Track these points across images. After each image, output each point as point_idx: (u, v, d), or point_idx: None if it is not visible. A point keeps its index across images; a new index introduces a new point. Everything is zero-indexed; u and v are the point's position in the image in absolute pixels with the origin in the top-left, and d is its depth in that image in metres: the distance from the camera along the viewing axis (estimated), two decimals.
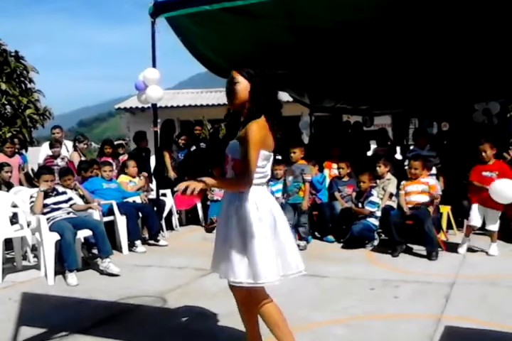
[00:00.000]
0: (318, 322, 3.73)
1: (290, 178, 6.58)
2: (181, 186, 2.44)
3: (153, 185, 8.07)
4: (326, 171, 7.51)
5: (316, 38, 6.59)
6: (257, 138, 2.58)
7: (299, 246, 6.21)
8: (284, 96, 13.74)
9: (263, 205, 2.70)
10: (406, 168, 6.63)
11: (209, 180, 2.53)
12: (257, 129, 2.60)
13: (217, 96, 19.15)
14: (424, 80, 8.09)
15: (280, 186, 6.88)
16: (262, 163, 2.71)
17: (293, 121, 11.99)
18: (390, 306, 4.10)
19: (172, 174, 8.01)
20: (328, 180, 7.26)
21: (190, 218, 8.48)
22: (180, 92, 20.78)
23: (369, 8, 5.62)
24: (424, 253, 5.74)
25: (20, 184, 7.60)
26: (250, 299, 2.80)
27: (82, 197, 6.36)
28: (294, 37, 6.61)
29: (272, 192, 7.02)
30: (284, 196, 6.65)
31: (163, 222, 7.56)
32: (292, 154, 6.60)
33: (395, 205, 6.43)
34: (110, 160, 7.97)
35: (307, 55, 7.20)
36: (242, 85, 2.69)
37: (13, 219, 6.08)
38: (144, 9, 7.03)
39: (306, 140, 10.72)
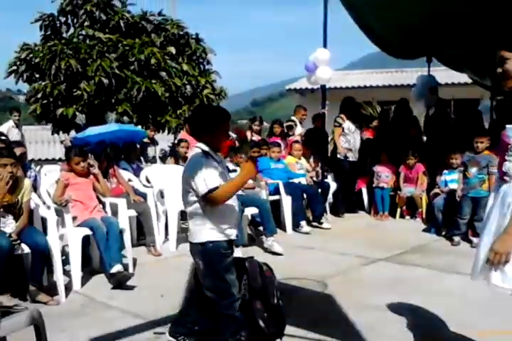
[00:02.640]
0: (489, 330, 3.38)
1: (473, 170, 6.04)
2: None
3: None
4: None
5: (497, 7, 5.89)
6: None
7: (472, 242, 5.87)
8: (460, 77, 12.84)
9: None
10: None
11: (508, 237, 2.22)
12: None
13: (389, 77, 18.47)
14: None
15: (456, 176, 6.39)
16: None
17: (471, 105, 11.12)
18: None
19: (341, 150, 7.72)
20: None
21: (355, 203, 8.27)
22: (350, 73, 20.44)
23: None
24: None
25: None
26: None
27: None
28: (472, 7, 5.98)
29: (446, 182, 6.59)
30: (462, 188, 6.16)
31: (327, 205, 7.54)
32: (479, 144, 6.02)
33: None
34: (279, 140, 8.12)
35: (489, 29, 6.50)
36: None
37: None
38: None
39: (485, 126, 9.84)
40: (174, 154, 7.53)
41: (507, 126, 2.47)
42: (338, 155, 7.79)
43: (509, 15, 5.88)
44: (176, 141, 8.10)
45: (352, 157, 7.80)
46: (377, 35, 7.78)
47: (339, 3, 6.78)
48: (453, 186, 6.39)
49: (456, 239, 6.00)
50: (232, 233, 2.89)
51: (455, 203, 6.12)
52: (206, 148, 2.85)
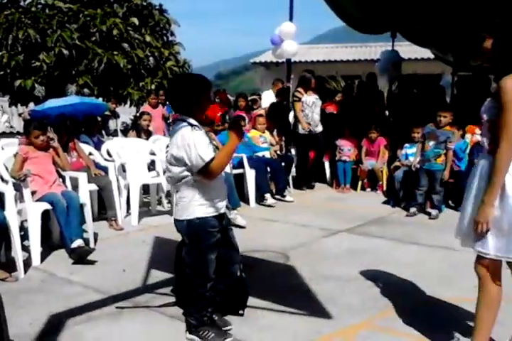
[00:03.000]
0: (446, 298, 3.51)
1: (431, 143, 6.15)
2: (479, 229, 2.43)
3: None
4: (468, 136, 6.94)
5: None
6: (511, 95, 2.34)
7: (430, 214, 6.02)
8: (423, 53, 12.96)
9: None
10: None
11: (488, 200, 2.40)
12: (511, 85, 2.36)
13: (353, 52, 18.52)
14: None
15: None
16: None
17: (433, 80, 11.29)
18: None
19: (305, 126, 7.57)
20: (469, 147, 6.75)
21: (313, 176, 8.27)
22: (314, 47, 20.39)
23: None
24: None
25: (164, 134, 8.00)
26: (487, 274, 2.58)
27: (216, 148, 6.53)
28: None
29: (407, 156, 6.71)
30: (418, 160, 6.29)
31: (290, 178, 7.59)
32: (442, 118, 6.09)
33: None
34: (243, 114, 8.08)
35: (450, 5, 6.54)
36: (488, 40, 2.49)
37: (151, 166, 6.43)
38: None
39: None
40: (136, 127, 7.42)
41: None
42: (302, 131, 7.62)
43: None
44: (137, 114, 7.98)
45: (312, 131, 7.65)
46: (343, 9, 7.75)
47: None
48: (413, 159, 6.51)
49: (412, 209, 6.14)
50: (222, 206, 2.87)
51: (414, 176, 6.25)
52: (191, 120, 2.77)
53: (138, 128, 7.30)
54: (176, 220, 2.89)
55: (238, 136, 2.79)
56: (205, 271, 2.88)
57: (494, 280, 2.55)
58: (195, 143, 2.67)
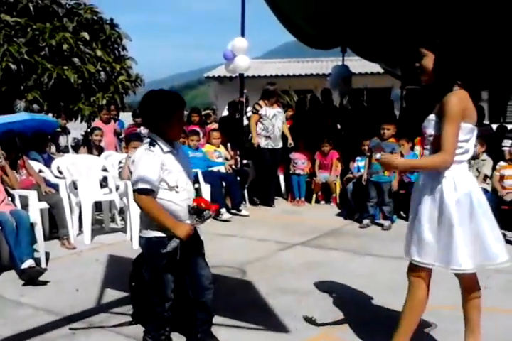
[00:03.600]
0: (400, 308, 3.57)
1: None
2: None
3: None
4: (417, 148, 7.14)
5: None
6: (454, 111, 2.46)
7: (382, 225, 6.14)
8: (373, 67, 13.33)
9: (462, 186, 2.53)
10: (505, 149, 6.17)
11: (402, 163, 2.77)
12: (455, 102, 2.47)
13: (305, 66, 18.83)
14: None
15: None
16: (465, 136, 2.53)
17: (383, 94, 11.60)
18: None
19: (255, 140, 7.43)
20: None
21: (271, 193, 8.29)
22: (267, 62, 20.62)
23: None
24: None
25: (116, 150, 7.89)
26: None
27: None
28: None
29: (359, 168, 6.83)
30: (367, 173, 6.41)
31: (245, 192, 7.60)
32: (386, 131, 6.23)
33: (489, 188, 6.03)
34: (197, 128, 8.06)
35: (397, 21, 6.76)
36: (429, 58, 2.58)
37: (103, 182, 6.32)
38: None
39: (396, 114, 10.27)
40: (87, 143, 7.30)
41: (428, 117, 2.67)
42: (263, 143, 7.47)
43: (420, 10, 6.15)
44: (89, 130, 7.85)
45: (271, 145, 7.50)
46: (294, 24, 7.89)
47: None
48: (363, 172, 6.63)
49: (365, 221, 6.25)
50: None
51: (364, 188, 6.38)
52: (154, 137, 2.75)
53: (89, 144, 7.18)
54: (139, 236, 2.89)
55: (180, 233, 2.72)
56: (163, 290, 2.84)
57: (423, 286, 2.67)
58: (142, 166, 2.70)
